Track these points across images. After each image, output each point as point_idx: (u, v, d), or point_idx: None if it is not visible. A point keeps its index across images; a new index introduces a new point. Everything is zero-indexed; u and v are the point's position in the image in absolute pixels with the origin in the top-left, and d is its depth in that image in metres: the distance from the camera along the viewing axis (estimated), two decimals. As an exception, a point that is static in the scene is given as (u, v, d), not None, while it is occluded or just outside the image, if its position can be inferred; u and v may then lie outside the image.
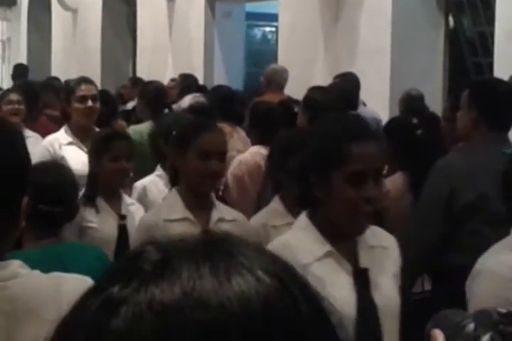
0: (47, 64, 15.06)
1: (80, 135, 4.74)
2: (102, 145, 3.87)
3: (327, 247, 2.23)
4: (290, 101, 6.22)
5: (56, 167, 3.08)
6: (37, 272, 2.02)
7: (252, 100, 6.20)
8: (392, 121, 4.74)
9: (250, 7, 12.02)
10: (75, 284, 2.08)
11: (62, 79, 9.37)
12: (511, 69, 6.23)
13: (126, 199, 3.91)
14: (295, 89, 7.09)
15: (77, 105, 4.67)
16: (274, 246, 2.21)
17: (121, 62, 13.53)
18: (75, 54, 14.29)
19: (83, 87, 4.71)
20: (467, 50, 8.83)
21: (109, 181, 3.82)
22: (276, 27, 11.11)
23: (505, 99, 3.76)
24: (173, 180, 3.22)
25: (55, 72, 13.65)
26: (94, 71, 13.21)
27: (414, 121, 4.41)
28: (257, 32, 13.00)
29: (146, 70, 12.04)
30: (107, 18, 13.59)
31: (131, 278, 0.66)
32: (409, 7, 8.49)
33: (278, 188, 3.48)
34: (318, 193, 2.21)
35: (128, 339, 0.63)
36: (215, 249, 0.69)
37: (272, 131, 4.88)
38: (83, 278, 2.13)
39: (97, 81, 12.77)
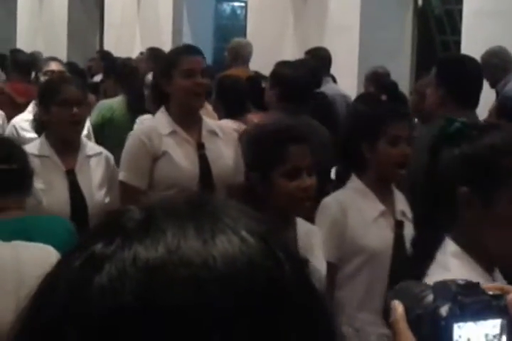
0: (12, 37, 14.86)
1: (184, 122, 3.55)
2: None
3: None
4: (258, 77, 6.21)
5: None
6: None
7: (218, 74, 6.19)
8: (361, 98, 4.76)
9: (219, -18, 11.96)
10: (36, 253, 2.07)
11: (28, 51, 9.27)
12: (478, 47, 6.27)
13: None
14: (263, 65, 7.07)
15: (182, 81, 3.49)
16: None
17: (88, 36, 13.39)
18: (41, 27, 14.12)
19: (190, 58, 3.56)
20: (435, 27, 8.87)
21: None
22: (246, 2, 11.06)
23: (474, 76, 3.79)
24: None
25: (20, 45, 13.48)
26: (60, 44, 13.07)
27: (383, 97, 4.43)
28: (226, 7, 12.93)
29: (114, 44, 11.94)
30: (74, -10, 13.44)
31: (115, 235, 0.66)
32: (379, -16, 8.49)
33: None
34: None
35: (112, 295, 0.63)
36: (199, 209, 0.69)
37: (239, 105, 4.88)
38: (45, 247, 2.12)
39: (63, 54, 12.67)
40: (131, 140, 3.60)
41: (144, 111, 4.97)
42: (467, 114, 3.68)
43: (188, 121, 3.56)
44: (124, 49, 11.23)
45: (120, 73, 6.14)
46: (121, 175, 3.54)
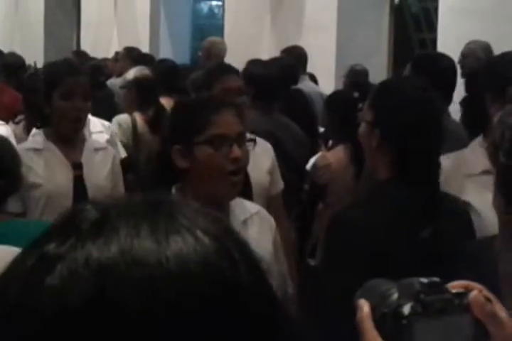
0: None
1: None
2: None
3: None
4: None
5: None
6: None
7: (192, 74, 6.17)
8: (333, 95, 4.77)
9: (196, -19, 11.93)
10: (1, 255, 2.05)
11: (4, 51, 9.19)
12: (454, 44, 6.30)
13: None
14: (240, 63, 7.06)
15: None
16: None
17: (65, 35, 13.33)
18: (17, 26, 14.03)
19: None
20: (412, 25, 8.90)
21: None
22: (223, 1, 11.04)
23: (448, 74, 3.80)
24: None
25: (-4, 45, 13.40)
26: (36, 44, 13.01)
27: (356, 94, 4.44)
28: (204, 6, 12.90)
29: (91, 44, 11.89)
30: (50, -10, 13.37)
31: (69, 235, 0.66)
32: (355, -18, 8.51)
33: None
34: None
35: (63, 296, 0.63)
36: (155, 209, 0.69)
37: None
38: (9, 249, 2.09)
39: (40, 54, 12.60)
40: None
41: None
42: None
43: None
44: (101, 48, 11.19)
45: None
46: None
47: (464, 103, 3.11)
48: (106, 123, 4.34)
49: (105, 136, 4.03)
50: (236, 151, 2.23)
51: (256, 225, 2.35)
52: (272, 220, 2.47)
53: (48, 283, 0.64)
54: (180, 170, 2.26)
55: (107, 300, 0.62)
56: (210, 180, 2.22)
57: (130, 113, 4.99)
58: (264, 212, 2.47)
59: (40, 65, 8.61)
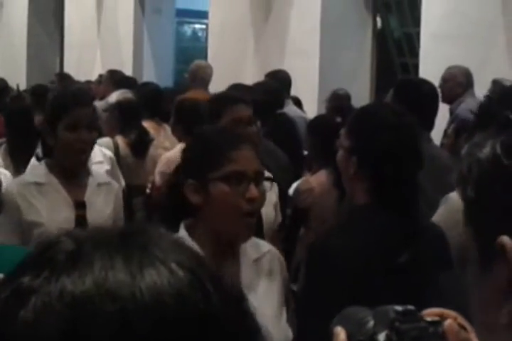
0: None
1: None
2: None
3: None
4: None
5: None
6: None
7: (176, 97, 6.19)
8: (316, 119, 4.79)
9: (180, 4, 11.99)
10: None
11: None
12: (436, 69, 6.35)
13: None
14: (224, 87, 7.08)
15: None
16: None
17: (48, 58, 13.34)
18: (0, 48, 14.03)
19: None
20: (394, 50, 8.96)
21: None
22: (207, 24, 11.10)
23: (429, 98, 3.83)
24: None
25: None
26: (19, 66, 13.01)
27: (338, 119, 4.46)
28: (187, 29, 12.97)
29: (74, 66, 11.90)
30: (34, 12, 13.38)
31: (43, 268, 0.66)
32: (338, 8, 8.58)
33: None
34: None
35: (37, 330, 0.62)
36: (130, 241, 0.69)
37: (198, 128, 4.86)
38: None
39: (23, 77, 12.60)
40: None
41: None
42: (423, 136, 3.71)
43: None
44: (84, 70, 11.21)
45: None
46: None
47: (453, 132, 3.17)
48: (107, 152, 4.20)
49: (105, 167, 3.94)
50: (253, 191, 2.10)
51: (267, 264, 2.27)
52: (281, 258, 2.37)
53: (21, 316, 0.63)
54: (192, 205, 2.14)
55: (79, 333, 0.62)
56: (223, 219, 2.11)
57: (112, 136, 4.99)
58: (274, 251, 2.36)
59: (22, 87, 8.61)
